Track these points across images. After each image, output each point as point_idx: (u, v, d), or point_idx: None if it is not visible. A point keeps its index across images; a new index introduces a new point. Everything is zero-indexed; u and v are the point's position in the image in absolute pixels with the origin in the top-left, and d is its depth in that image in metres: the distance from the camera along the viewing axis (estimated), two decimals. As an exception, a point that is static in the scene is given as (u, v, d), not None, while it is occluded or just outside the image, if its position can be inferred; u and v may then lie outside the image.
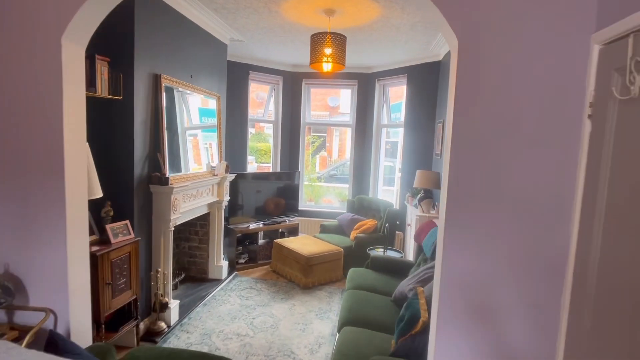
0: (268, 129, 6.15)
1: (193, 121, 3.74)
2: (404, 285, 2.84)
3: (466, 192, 1.59)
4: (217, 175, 3.91)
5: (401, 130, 5.34)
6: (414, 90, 4.96)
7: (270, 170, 5.78)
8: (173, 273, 3.58)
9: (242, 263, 4.74)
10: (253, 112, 5.68)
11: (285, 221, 5.19)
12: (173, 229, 3.15)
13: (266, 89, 5.71)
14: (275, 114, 5.70)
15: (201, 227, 4.15)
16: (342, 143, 15.96)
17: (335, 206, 6.12)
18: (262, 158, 11.39)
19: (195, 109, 3.83)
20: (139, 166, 2.86)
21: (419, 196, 4.20)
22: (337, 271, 4.42)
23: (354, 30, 3.89)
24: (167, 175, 2.99)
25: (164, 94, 3.05)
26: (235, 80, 5.12)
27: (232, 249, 4.61)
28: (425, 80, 4.83)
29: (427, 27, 3.71)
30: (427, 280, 2.66)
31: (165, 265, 3.12)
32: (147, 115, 2.93)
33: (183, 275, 4.04)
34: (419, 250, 3.68)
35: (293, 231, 5.22)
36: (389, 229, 4.73)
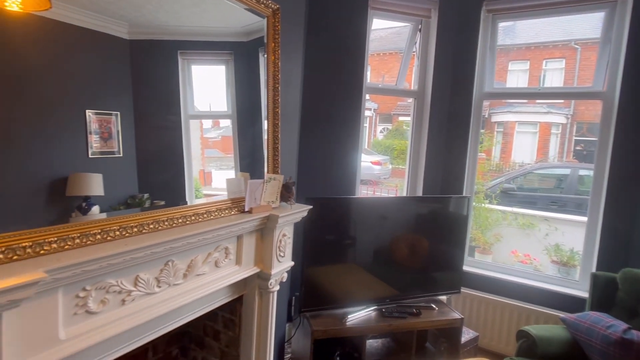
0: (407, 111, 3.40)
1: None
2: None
3: None
4: (249, 211, 1.43)
5: None
6: None
7: (406, 187, 3.00)
8: None
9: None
10: (376, 76, 2.99)
11: (431, 308, 2.35)
12: None
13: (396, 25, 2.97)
14: (421, 78, 2.89)
15: (219, 330, 1.73)
16: (508, 140, 11.46)
17: (548, 276, 2.78)
18: (398, 160, 8.47)
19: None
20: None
21: None
22: None
23: None
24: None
25: None
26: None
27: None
28: None
29: None
30: None
31: None
32: None
33: None
34: None
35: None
36: None
